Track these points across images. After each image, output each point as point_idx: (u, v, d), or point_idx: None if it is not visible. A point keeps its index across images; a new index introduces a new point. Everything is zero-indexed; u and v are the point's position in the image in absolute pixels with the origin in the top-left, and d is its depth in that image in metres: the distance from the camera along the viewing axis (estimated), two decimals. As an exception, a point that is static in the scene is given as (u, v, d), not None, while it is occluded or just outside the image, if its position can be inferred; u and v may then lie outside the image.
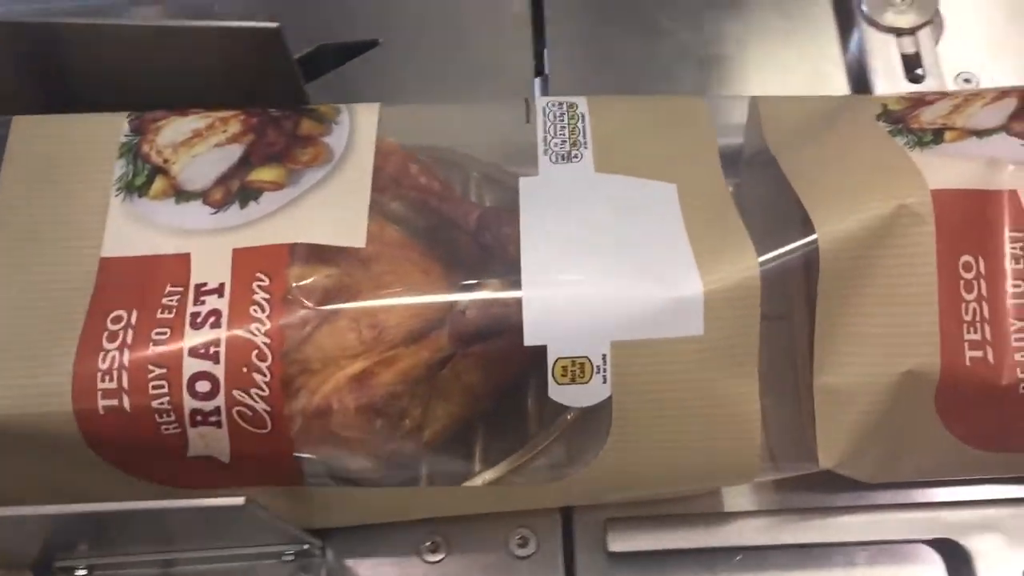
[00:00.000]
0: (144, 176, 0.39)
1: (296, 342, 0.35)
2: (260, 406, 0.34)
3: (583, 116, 0.41)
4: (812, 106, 0.43)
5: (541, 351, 0.35)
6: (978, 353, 0.36)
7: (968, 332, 0.36)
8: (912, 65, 0.50)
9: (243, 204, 0.38)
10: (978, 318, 0.36)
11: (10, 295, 0.37)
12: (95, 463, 0.36)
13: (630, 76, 0.52)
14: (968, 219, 0.36)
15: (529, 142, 0.40)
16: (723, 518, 0.39)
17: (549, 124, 0.41)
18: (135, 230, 0.38)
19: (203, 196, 0.39)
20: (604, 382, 0.35)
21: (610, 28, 0.53)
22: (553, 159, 0.39)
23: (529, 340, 0.35)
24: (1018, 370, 0.35)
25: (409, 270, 0.38)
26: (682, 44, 0.53)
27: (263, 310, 0.35)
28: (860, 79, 0.51)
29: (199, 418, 0.34)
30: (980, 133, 0.38)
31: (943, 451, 0.38)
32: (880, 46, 0.50)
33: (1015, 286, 0.36)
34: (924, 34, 0.50)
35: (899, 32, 0.50)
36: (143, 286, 0.36)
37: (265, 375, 0.34)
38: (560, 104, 0.42)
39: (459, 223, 0.39)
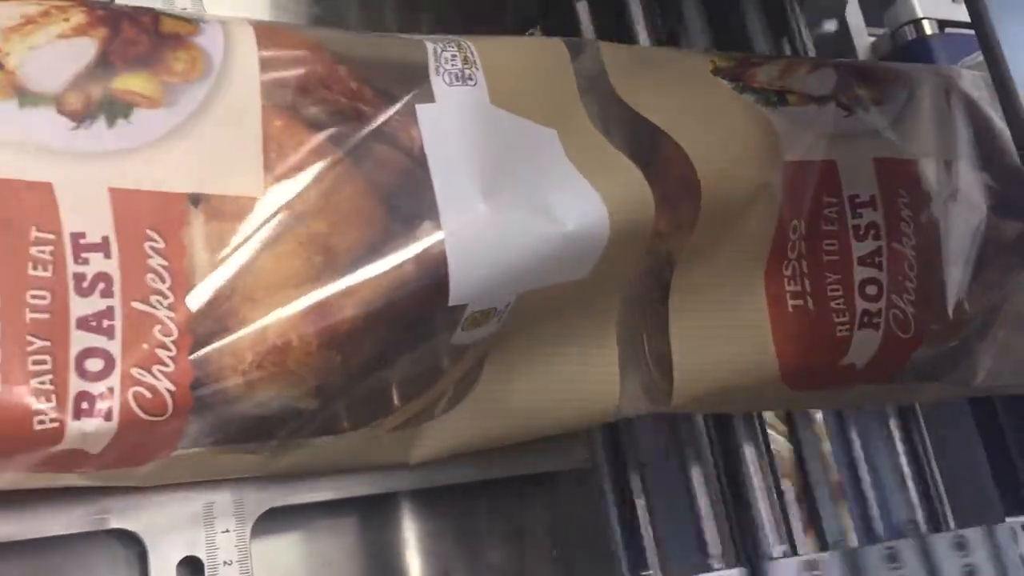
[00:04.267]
0: None
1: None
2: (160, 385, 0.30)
3: (470, 47, 0.38)
4: (648, 53, 0.45)
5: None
6: (799, 302, 0.41)
7: (789, 284, 0.41)
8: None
9: (111, 122, 0.31)
10: (797, 273, 0.41)
11: None
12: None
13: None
14: (800, 187, 0.41)
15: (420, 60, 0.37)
16: None
17: (440, 50, 0.37)
18: None
19: (56, 102, 0.31)
20: (498, 322, 0.36)
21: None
22: (448, 80, 0.36)
23: (453, 300, 0.34)
24: None
25: (350, 189, 0.33)
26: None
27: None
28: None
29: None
30: (818, 100, 0.42)
31: (769, 387, 0.42)
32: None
33: (828, 243, 0.42)
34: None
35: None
36: None
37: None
38: (450, 42, 0.38)
39: (399, 141, 0.35)
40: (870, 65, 0.47)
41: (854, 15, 0.61)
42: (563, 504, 0.44)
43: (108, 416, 0.29)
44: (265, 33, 0.35)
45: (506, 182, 0.35)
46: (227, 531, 0.35)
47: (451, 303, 0.34)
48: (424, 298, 0.33)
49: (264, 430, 0.34)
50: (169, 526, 0.35)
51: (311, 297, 0.32)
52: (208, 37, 0.34)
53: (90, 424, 0.29)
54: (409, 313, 0.34)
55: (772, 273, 0.41)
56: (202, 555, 0.35)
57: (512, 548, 0.43)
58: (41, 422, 0.29)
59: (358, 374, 0.34)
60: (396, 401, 0.36)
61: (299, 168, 0.33)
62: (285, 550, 0.38)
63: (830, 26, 0.59)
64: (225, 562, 0.35)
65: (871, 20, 0.61)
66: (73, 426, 0.29)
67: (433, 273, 0.33)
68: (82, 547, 0.35)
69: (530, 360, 0.38)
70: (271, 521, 0.37)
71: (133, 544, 0.35)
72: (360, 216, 0.33)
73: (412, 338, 0.34)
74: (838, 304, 0.42)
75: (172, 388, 0.30)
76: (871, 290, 0.42)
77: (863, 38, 0.62)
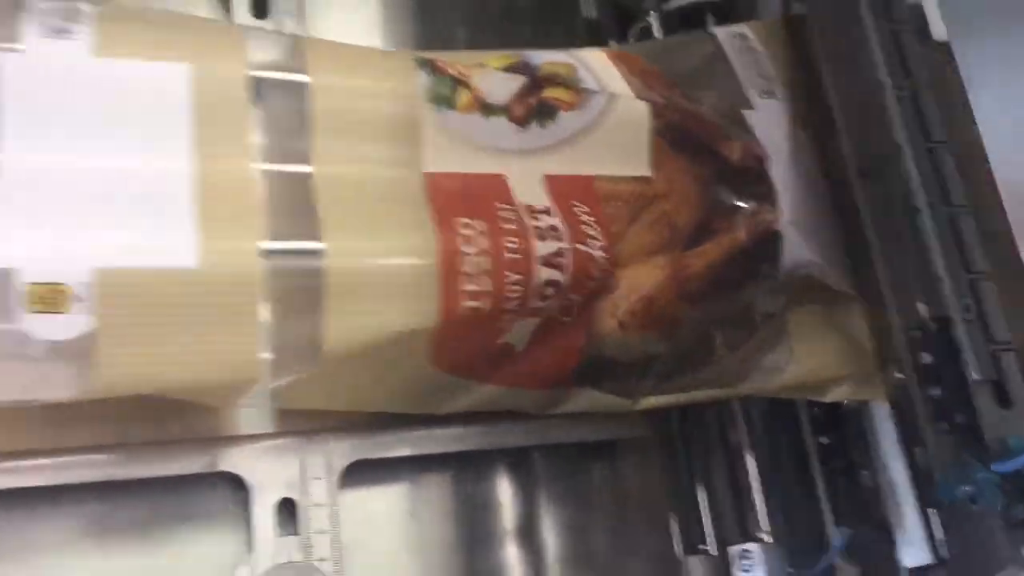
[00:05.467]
0: (448, 86, 0.39)
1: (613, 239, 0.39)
2: None
3: (761, 53, 0.45)
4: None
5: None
6: None
7: None
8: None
9: (543, 123, 0.40)
10: None
11: None
12: None
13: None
14: None
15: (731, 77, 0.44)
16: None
17: (736, 57, 0.44)
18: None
19: (507, 111, 0.40)
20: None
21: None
22: (758, 95, 0.44)
23: (784, 270, 0.42)
24: None
25: (684, 180, 0.42)
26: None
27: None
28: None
29: None
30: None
31: None
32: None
33: None
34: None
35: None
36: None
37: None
38: (739, 36, 0.45)
39: (719, 150, 0.42)
40: None
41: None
42: (636, 472, 0.48)
43: None
44: (622, 61, 0.43)
45: (811, 174, 0.43)
46: (319, 478, 0.40)
47: (781, 272, 0.42)
48: (754, 262, 0.42)
49: (625, 374, 0.42)
50: (269, 472, 0.40)
51: (668, 259, 0.40)
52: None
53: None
54: (740, 272, 0.42)
55: None
56: (297, 497, 0.39)
57: (584, 511, 0.46)
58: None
59: (700, 324, 0.42)
60: (718, 351, 0.44)
61: (656, 166, 0.41)
62: (372, 499, 0.42)
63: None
64: (316, 504, 0.39)
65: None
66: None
67: (765, 243, 0.42)
68: (195, 489, 0.40)
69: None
70: (360, 472, 0.41)
71: (238, 487, 0.40)
72: (691, 200, 0.42)
73: (739, 294, 0.43)
74: None
75: None
76: None
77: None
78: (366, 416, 0.41)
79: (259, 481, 0.39)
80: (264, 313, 0.34)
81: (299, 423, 0.40)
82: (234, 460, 0.39)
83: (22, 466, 0.37)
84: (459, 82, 0.40)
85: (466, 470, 0.44)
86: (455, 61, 0.41)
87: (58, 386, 0.33)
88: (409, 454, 0.42)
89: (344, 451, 0.41)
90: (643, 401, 0.44)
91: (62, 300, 0.31)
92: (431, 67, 0.40)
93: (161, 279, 0.33)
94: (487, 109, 0.40)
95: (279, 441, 0.40)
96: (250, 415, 0.40)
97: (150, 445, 0.39)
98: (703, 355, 0.43)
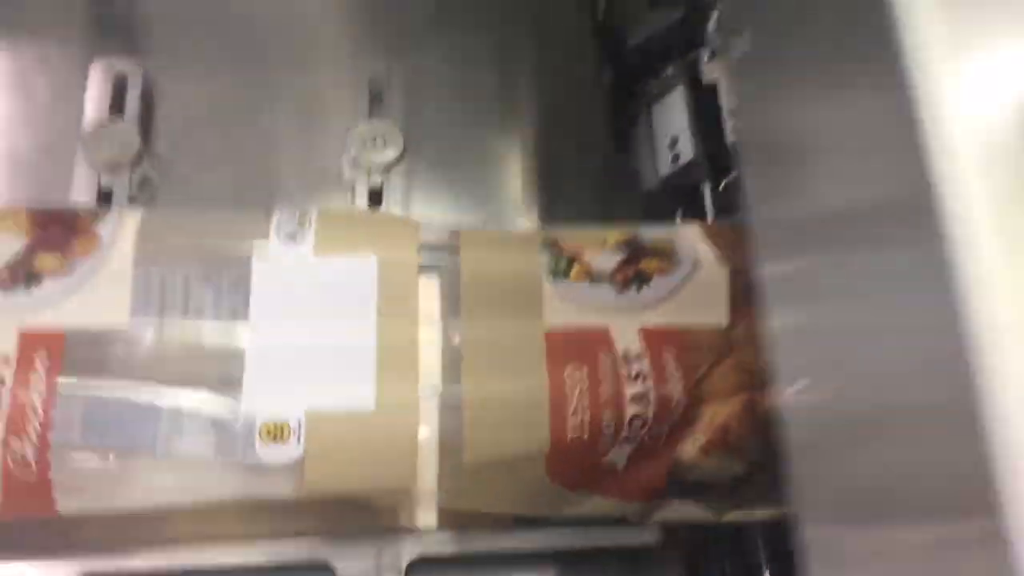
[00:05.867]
0: (564, 263, 0.51)
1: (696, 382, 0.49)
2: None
3: None
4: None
5: None
6: None
7: None
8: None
9: (639, 288, 0.51)
10: None
11: None
12: None
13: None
14: None
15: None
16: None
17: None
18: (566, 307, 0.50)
19: (609, 278, 0.51)
20: None
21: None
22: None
23: None
24: None
25: (760, 329, 0.48)
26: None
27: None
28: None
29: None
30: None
31: None
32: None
33: None
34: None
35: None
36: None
37: None
38: None
39: None
40: None
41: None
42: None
43: None
44: (711, 232, 0.53)
45: None
46: (390, 569, 0.49)
47: None
48: None
49: (709, 492, 0.51)
50: (351, 561, 0.49)
51: (743, 399, 0.49)
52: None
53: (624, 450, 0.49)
54: None
55: None
56: (373, 583, 0.47)
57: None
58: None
59: (775, 452, 0.49)
60: None
61: (734, 318, 0.51)
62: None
63: None
64: (388, 589, 0.48)
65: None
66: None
67: None
68: (295, 574, 0.49)
69: None
70: (427, 567, 0.49)
71: (327, 572, 0.48)
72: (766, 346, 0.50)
73: None
74: None
75: None
76: None
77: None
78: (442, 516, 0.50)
79: (343, 568, 0.49)
80: (423, 436, 0.47)
81: (380, 520, 0.49)
82: (327, 551, 0.49)
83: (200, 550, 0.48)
84: (573, 259, 0.52)
85: (532, 569, 0.52)
86: (576, 237, 0.53)
87: (275, 490, 0.46)
88: (461, 552, 0.50)
89: (411, 547, 0.50)
90: (728, 515, 0.53)
91: (285, 434, 0.44)
92: (552, 246, 0.52)
93: (350, 417, 0.46)
94: (593, 278, 0.51)
95: (362, 536, 0.50)
96: (343, 514, 0.49)
97: (263, 538, 0.49)
98: (781, 477, 0.51)
